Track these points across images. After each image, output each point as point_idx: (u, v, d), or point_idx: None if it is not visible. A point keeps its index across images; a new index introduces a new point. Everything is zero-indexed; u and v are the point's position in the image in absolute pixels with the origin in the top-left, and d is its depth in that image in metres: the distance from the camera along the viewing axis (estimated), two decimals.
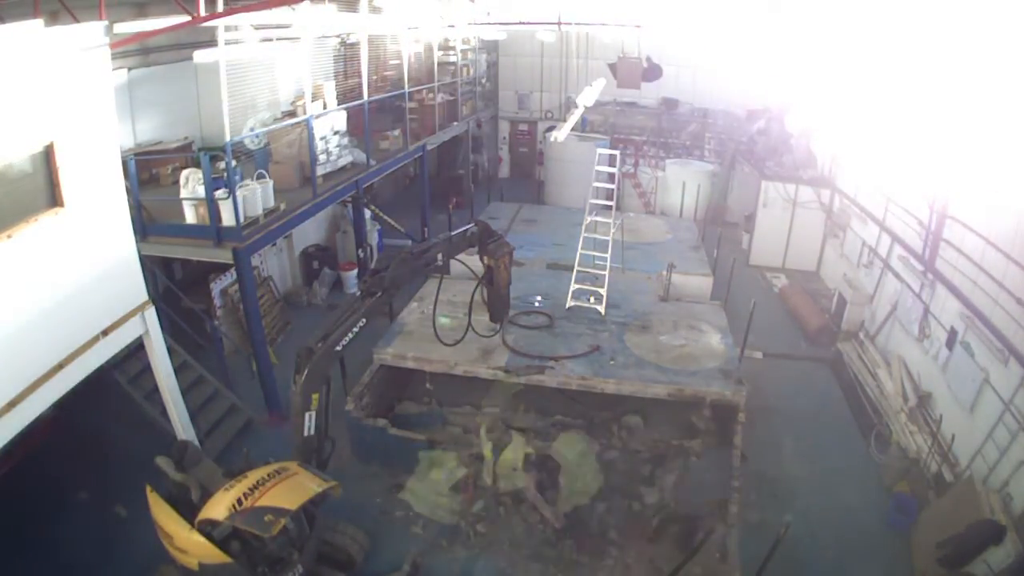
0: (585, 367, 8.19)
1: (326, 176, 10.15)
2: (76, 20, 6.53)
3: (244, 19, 8.23)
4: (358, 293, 6.70)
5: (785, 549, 6.39)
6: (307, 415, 5.91)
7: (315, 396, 5.93)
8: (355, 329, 6.23)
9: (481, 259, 7.93)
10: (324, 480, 5.48)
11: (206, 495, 5.33)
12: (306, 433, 5.96)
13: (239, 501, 4.96)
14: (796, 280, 13.72)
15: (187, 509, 5.27)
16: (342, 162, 10.73)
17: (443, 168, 19.52)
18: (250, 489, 5.07)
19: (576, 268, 9.95)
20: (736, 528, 7.08)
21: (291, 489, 5.20)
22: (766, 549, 5.72)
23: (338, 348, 6.13)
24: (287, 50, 11.62)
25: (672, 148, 19.48)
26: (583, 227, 10.09)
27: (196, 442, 7.19)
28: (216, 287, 10.05)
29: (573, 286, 9.80)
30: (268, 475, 5.26)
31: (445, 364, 8.28)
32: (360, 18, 11.04)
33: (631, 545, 7.00)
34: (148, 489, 5.41)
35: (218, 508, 4.98)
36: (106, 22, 5.65)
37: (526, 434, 7.67)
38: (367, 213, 11.70)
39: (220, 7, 7.01)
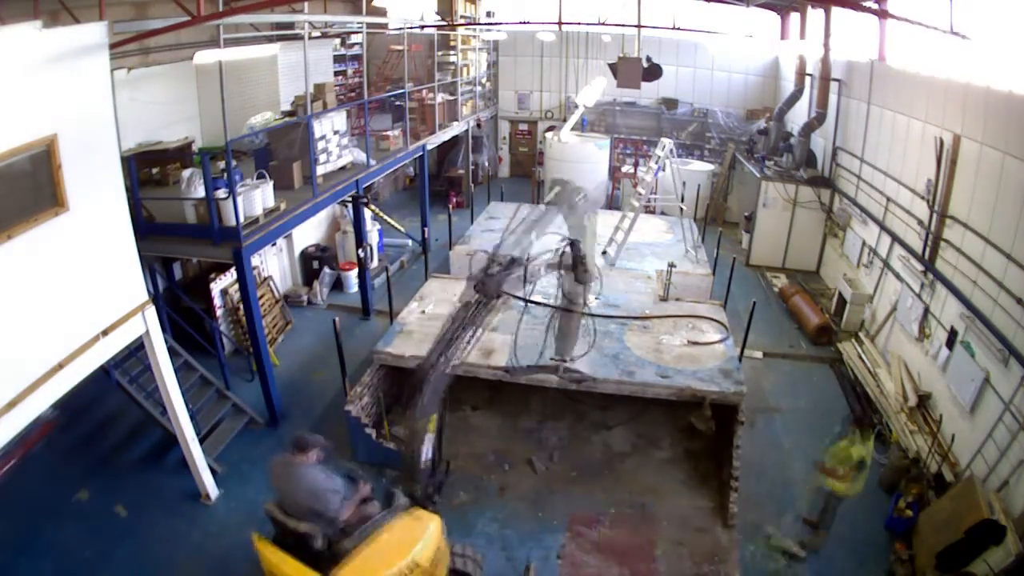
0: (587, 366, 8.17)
1: (326, 176, 10.14)
2: (76, 20, 6.54)
3: (244, 19, 8.23)
4: (471, 302, 5.78)
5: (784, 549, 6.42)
6: (426, 438, 5.53)
7: (432, 418, 5.56)
8: (471, 340, 5.70)
9: (561, 287, 6.97)
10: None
11: (335, 541, 4.72)
12: (424, 457, 5.56)
13: None
14: (796, 280, 13.73)
15: (307, 556, 4.61)
16: (342, 162, 10.73)
17: (443, 168, 19.52)
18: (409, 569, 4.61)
19: None
20: (736, 529, 7.09)
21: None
22: (765, 549, 5.73)
23: (454, 364, 5.56)
24: (287, 49, 11.65)
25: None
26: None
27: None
28: (216, 287, 10.05)
29: None
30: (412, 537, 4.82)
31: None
32: (360, 18, 11.05)
33: None
34: (255, 537, 4.75)
35: None
36: (106, 22, 5.64)
37: None
38: (367, 213, 11.69)
39: (220, 7, 7.00)
